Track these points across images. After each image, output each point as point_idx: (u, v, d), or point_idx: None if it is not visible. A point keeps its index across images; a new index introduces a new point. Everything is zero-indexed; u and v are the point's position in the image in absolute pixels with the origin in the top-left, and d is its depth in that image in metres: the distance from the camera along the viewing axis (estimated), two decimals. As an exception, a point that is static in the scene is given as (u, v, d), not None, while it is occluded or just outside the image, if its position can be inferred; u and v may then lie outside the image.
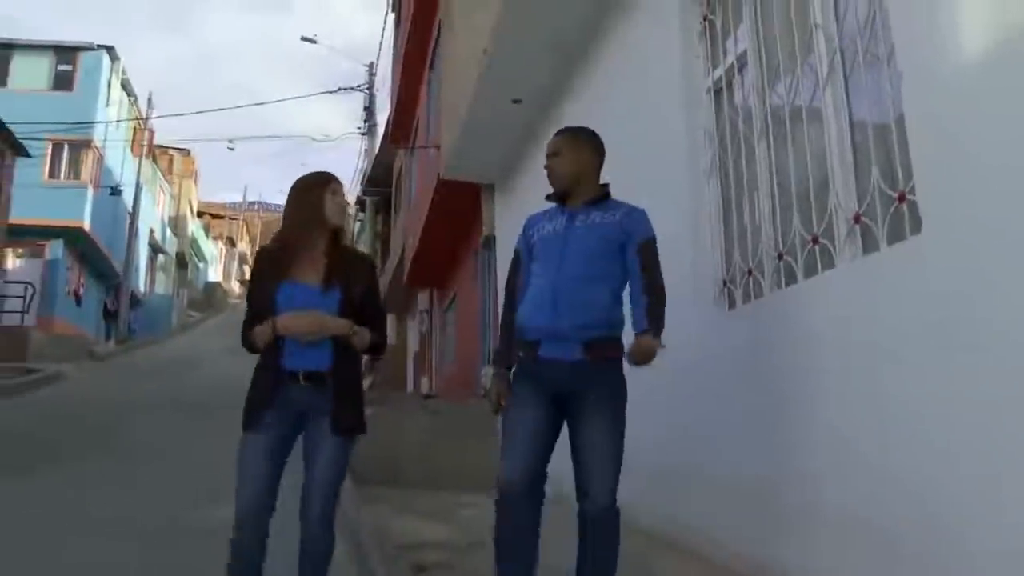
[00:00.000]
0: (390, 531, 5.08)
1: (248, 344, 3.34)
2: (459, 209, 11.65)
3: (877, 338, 3.07)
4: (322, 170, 3.61)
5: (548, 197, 3.56)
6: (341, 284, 3.32)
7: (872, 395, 3.09)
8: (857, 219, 3.36)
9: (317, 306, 3.23)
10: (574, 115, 7.16)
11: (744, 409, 4.01)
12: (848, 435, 3.22)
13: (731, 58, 4.55)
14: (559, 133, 3.63)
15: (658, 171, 5.16)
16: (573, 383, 3.20)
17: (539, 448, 3.23)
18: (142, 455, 9.80)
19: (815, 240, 3.63)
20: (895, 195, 3.11)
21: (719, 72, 4.69)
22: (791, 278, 3.84)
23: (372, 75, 24.86)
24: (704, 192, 4.70)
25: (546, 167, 3.55)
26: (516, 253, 3.63)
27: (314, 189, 3.41)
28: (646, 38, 5.56)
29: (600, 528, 3.16)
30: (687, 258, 4.70)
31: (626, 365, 3.29)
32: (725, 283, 4.50)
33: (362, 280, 3.44)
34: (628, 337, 3.29)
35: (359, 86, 24.94)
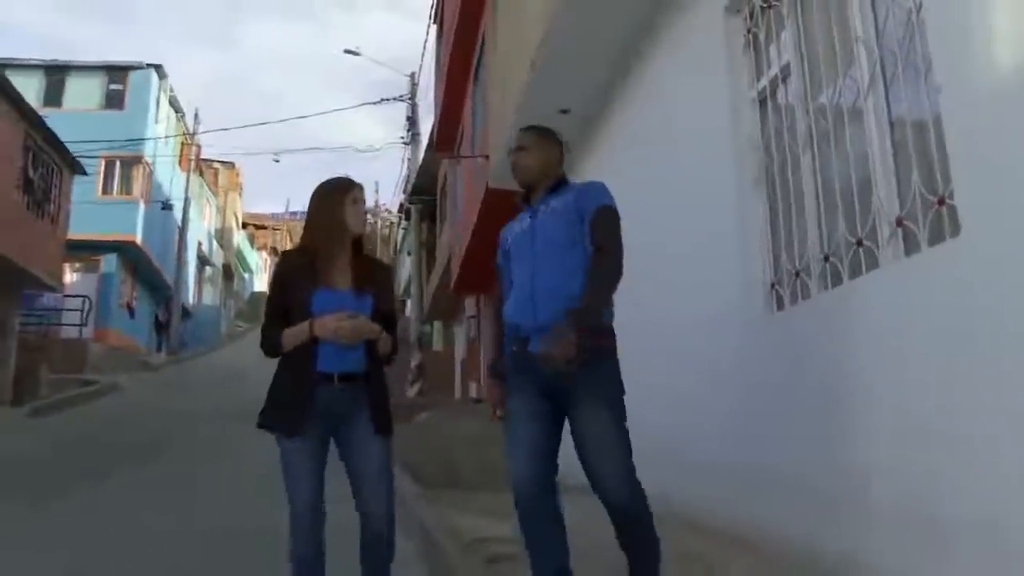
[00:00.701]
0: (455, 527, 5.32)
1: (271, 347, 3.36)
2: (508, 216, 11.86)
3: (919, 336, 3.25)
4: (343, 176, 3.59)
5: (517, 199, 3.68)
6: (371, 291, 3.39)
7: (915, 393, 3.27)
8: (899, 222, 3.55)
9: (353, 310, 3.29)
10: (621, 124, 7.40)
11: (793, 406, 4.18)
12: (894, 430, 3.39)
13: (775, 69, 4.74)
14: (524, 129, 3.75)
15: (706, 179, 5.35)
16: (563, 377, 3.12)
17: (541, 445, 3.25)
18: (199, 460, 10.25)
19: (859, 242, 3.82)
20: (935, 199, 3.30)
21: (763, 83, 4.89)
22: (837, 279, 4.03)
23: (415, 85, 25.19)
24: (751, 198, 4.88)
25: (512, 162, 3.66)
26: (498, 268, 3.72)
27: (335, 196, 3.45)
28: (691, 51, 5.76)
29: (626, 515, 3.16)
30: (735, 262, 4.90)
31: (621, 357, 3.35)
32: (773, 285, 4.68)
33: (387, 288, 3.57)
34: (620, 332, 3.35)
35: (402, 96, 25.31)
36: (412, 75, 25.37)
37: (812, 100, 4.34)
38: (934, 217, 3.32)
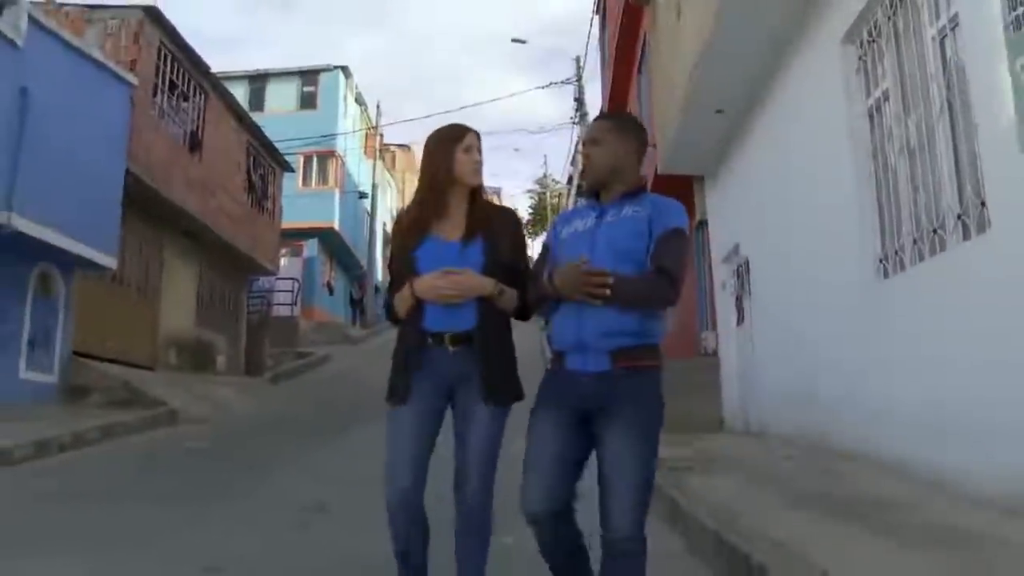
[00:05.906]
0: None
1: (390, 313, 3.14)
2: (674, 197, 13.17)
3: (971, 297, 4.64)
4: (457, 123, 3.22)
5: (581, 193, 3.87)
6: (484, 239, 3.03)
7: (970, 341, 4.65)
8: (959, 217, 4.91)
9: (458, 263, 2.95)
10: (762, 123, 8.84)
11: (897, 350, 5.58)
12: (964, 363, 4.76)
13: (878, 92, 6.08)
14: (602, 118, 3.34)
15: (829, 173, 6.79)
16: (599, 398, 2.78)
17: (560, 474, 2.83)
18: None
19: (935, 231, 5.19)
20: (979, 201, 4.65)
21: (871, 101, 6.24)
22: (922, 257, 5.41)
23: (580, 68, 26.73)
24: (865, 193, 6.26)
25: (584, 155, 3.13)
26: (544, 247, 3.22)
27: (447, 144, 3.10)
28: (816, 70, 7.16)
29: (617, 559, 2.75)
30: (855, 244, 6.30)
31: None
32: (880, 260, 6.09)
33: (508, 235, 3.13)
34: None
35: (568, 80, 26.91)
36: (577, 59, 26.94)
37: (905, 119, 5.68)
38: (979, 215, 4.67)
